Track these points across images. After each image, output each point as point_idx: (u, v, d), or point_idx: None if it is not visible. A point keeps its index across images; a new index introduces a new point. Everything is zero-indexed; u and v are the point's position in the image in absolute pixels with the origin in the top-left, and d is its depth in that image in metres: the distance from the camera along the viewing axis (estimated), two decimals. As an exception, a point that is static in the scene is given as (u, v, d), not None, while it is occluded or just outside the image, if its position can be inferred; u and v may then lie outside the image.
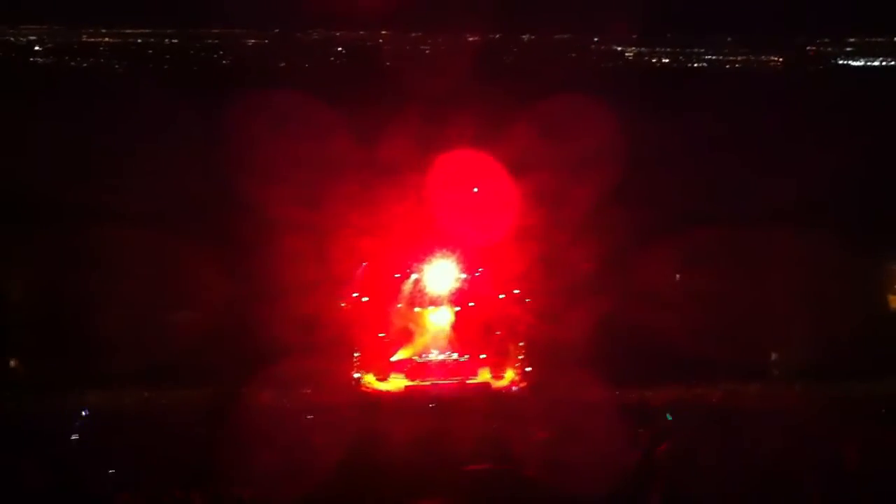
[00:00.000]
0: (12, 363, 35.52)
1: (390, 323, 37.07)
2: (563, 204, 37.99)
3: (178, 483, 23.59)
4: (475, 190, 37.84)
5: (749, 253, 37.72)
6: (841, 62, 44.87)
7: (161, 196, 37.79)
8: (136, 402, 30.53)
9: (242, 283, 36.27)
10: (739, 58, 45.47)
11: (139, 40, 46.66)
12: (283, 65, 46.20)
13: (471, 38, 46.09)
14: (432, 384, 35.56)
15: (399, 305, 37.26)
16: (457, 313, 37.38)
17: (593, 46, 46.11)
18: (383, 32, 45.74)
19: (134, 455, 25.50)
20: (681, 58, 45.87)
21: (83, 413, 29.01)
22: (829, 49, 44.86)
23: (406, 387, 35.70)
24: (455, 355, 36.96)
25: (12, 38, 46.13)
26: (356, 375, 35.66)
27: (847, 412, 29.54)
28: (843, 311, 35.94)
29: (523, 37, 45.99)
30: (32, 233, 36.92)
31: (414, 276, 37.16)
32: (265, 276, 36.45)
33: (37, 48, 45.96)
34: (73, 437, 27.54)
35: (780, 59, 45.22)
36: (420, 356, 37.05)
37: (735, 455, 25.83)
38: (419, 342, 37.33)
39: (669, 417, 29.58)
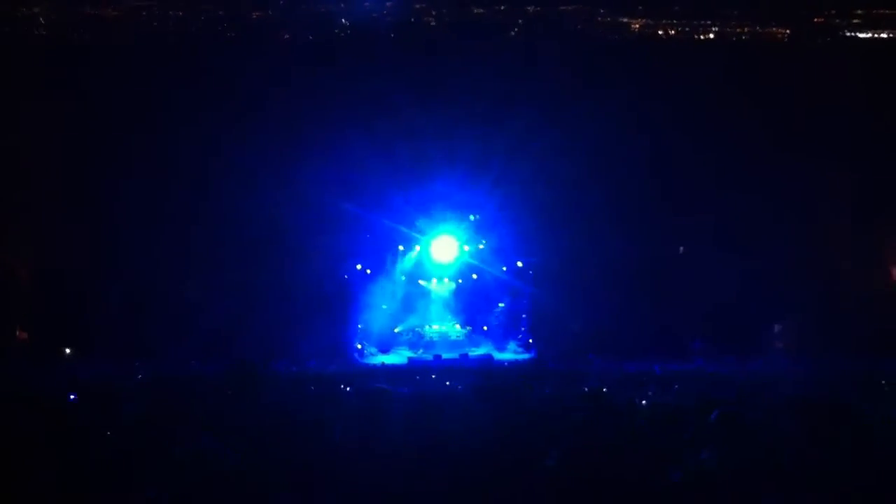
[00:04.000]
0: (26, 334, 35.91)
1: (393, 294, 37.22)
2: (565, 176, 37.86)
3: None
4: (478, 163, 37.78)
5: (752, 229, 37.62)
6: (848, 34, 44.54)
7: (164, 172, 37.83)
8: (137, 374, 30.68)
9: (247, 258, 36.37)
10: (746, 29, 45.19)
11: (143, 13, 46.50)
12: (287, 37, 46.03)
13: (476, 10, 45.94)
14: (434, 356, 35.70)
15: (402, 277, 37.37)
16: (460, 285, 37.48)
17: (599, 18, 45.88)
18: (388, 4, 45.47)
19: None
20: (687, 29, 45.61)
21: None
22: (837, 21, 44.56)
23: (409, 358, 35.89)
24: (458, 327, 37.13)
25: (16, 12, 45.97)
26: (359, 346, 35.84)
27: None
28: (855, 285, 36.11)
29: (528, 8, 45.81)
30: (40, 210, 37.07)
31: (417, 248, 37.22)
32: (270, 250, 36.55)
33: (41, 20, 45.82)
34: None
35: (787, 31, 44.97)
36: (423, 328, 37.21)
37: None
38: (422, 313, 37.48)
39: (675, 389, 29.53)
